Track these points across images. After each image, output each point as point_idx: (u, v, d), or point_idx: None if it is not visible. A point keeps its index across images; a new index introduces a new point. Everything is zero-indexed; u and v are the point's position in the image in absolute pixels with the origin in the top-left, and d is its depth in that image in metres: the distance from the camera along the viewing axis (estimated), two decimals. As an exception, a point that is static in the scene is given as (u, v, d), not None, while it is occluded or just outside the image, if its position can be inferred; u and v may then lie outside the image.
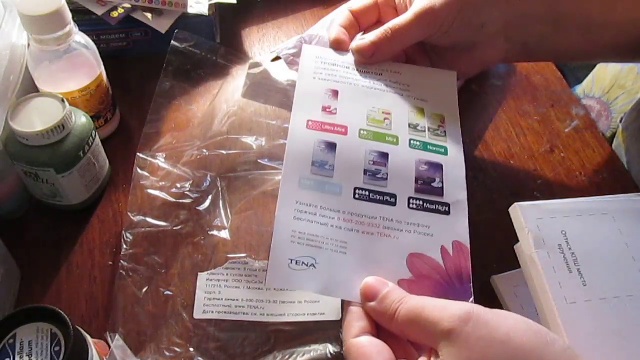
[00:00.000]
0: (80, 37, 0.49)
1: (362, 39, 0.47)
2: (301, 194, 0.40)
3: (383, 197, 0.40)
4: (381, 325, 0.36)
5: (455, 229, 0.40)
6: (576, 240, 0.38)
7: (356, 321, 0.35)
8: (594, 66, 0.67)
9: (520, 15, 0.46)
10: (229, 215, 0.49)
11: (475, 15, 0.46)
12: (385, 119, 0.44)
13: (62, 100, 0.46)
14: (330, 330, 0.43)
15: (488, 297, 0.45)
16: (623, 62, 0.62)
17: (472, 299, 0.37)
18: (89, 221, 0.50)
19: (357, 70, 0.47)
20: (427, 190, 0.41)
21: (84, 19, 0.57)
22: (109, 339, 0.42)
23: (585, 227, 0.39)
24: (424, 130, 0.44)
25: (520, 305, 0.44)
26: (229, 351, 0.43)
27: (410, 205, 0.40)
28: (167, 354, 0.42)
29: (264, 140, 0.54)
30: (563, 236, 0.39)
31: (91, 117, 0.49)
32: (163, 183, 0.51)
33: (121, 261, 0.46)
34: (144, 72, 0.61)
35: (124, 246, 0.47)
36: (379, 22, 0.50)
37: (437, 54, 0.50)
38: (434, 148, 0.43)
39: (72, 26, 0.47)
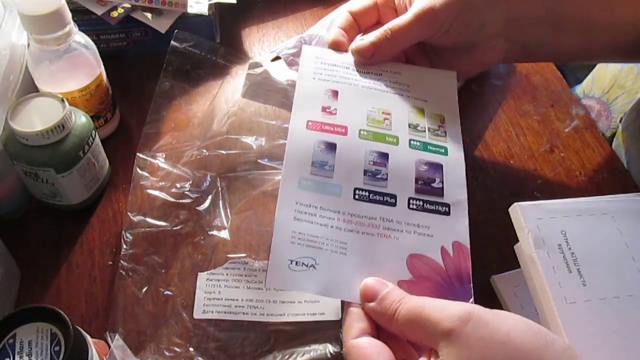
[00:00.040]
0: (80, 37, 0.49)
1: (362, 40, 0.47)
2: (301, 195, 0.40)
3: (383, 198, 0.40)
4: (381, 326, 0.36)
5: (455, 229, 0.40)
6: (576, 240, 0.38)
7: (356, 322, 0.35)
8: (594, 66, 0.67)
9: (520, 16, 0.46)
10: (229, 215, 0.49)
11: (475, 16, 0.46)
12: (385, 119, 0.44)
13: (62, 100, 0.46)
14: (330, 330, 0.43)
15: (488, 298, 0.45)
16: (623, 62, 0.62)
17: (472, 299, 0.37)
18: (89, 221, 0.50)
19: (357, 70, 0.47)
20: (428, 191, 0.41)
21: (84, 19, 0.57)
22: (109, 339, 0.42)
23: (585, 227, 0.39)
24: (424, 131, 0.44)
25: (520, 305, 0.44)
26: (229, 351, 0.43)
27: (411, 206, 0.40)
28: (167, 354, 0.42)
29: (264, 140, 0.54)
30: (563, 236, 0.39)
31: (91, 117, 0.49)
32: (163, 183, 0.51)
33: (121, 261, 0.46)
34: (144, 72, 0.61)
35: (124, 246, 0.47)
36: (378, 23, 0.49)
37: (436, 54, 0.50)
38: (434, 148, 0.43)
39: (72, 26, 0.47)
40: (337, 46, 0.48)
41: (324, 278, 0.37)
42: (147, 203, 0.50)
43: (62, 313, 0.34)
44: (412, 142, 0.43)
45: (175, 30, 0.57)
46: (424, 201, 0.40)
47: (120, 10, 0.58)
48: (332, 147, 0.42)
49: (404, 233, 0.39)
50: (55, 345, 0.34)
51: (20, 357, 0.33)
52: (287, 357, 0.42)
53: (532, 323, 0.32)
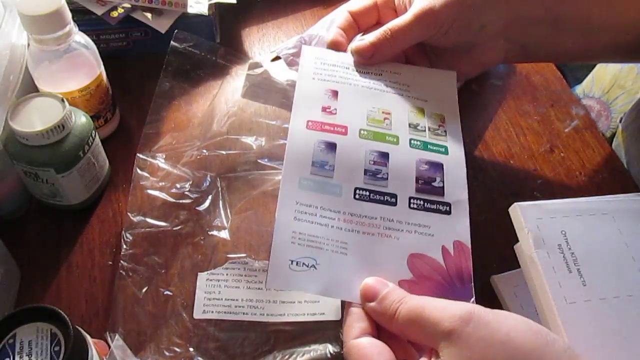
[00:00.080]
0: (80, 37, 0.49)
1: (362, 40, 0.47)
2: (301, 195, 0.39)
3: (384, 198, 0.40)
4: (382, 326, 0.36)
5: (456, 229, 0.40)
6: (576, 240, 0.38)
7: (357, 322, 0.35)
8: (594, 66, 0.67)
9: (520, 16, 0.46)
10: (229, 216, 0.49)
11: (475, 17, 0.46)
12: (385, 119, 0.44)
13: (62, 100, 0.46)
14: (330, 330, 0.43)
15: (488, 298, 0.45)
16: (623, 62, 0.62)
17: (473, 299, 0.37)
18: (89, 221, 0.50)
19: (356, 70, 0.47)
20: (428, 190, 0.41)
21: (84, 19, 0.57)
22: (109, 339, 0.41)
23: (585, 227, 0.39)
24: (425, 130, 0.44)
25: (520, 305, 0.44)
26: (229, 351, 0.43)
27: (411, 206, 0.40)
28: (167, 354, 0.42)
29: (264, 140, 0.54)
30: (563, 236, 0.39)
31: (91, 117, 0.49)
32: (163, 183, 0.51)
33: (121, 261, 0.46)
34: (144, 72, 0.61)
35: (124, 246, 0.47)
36: (378, 24, 0.50)
37: (436, 55, 0.50)
38: (435, 148, 0.43)
39: (72, 26, 0.47)
40: (336, 46, 0.48)
41: (325, 278, 0.37)
42: (147, 203, 0.50)
43: (62, 313, 0.34)
44: (412, 141, 0.43)
45: (175, 30, 0.57)
46: (424, 200, 0.40)
47: (120, 10, 0.58)
48: (332, 147, 0.42)
49: (405, 233, 0.39)
50: (55, 345, 0.34)
51: (20, 357, 0.33)
52: (287, 357, 0.42)
53: (533, 323, 0.32)
